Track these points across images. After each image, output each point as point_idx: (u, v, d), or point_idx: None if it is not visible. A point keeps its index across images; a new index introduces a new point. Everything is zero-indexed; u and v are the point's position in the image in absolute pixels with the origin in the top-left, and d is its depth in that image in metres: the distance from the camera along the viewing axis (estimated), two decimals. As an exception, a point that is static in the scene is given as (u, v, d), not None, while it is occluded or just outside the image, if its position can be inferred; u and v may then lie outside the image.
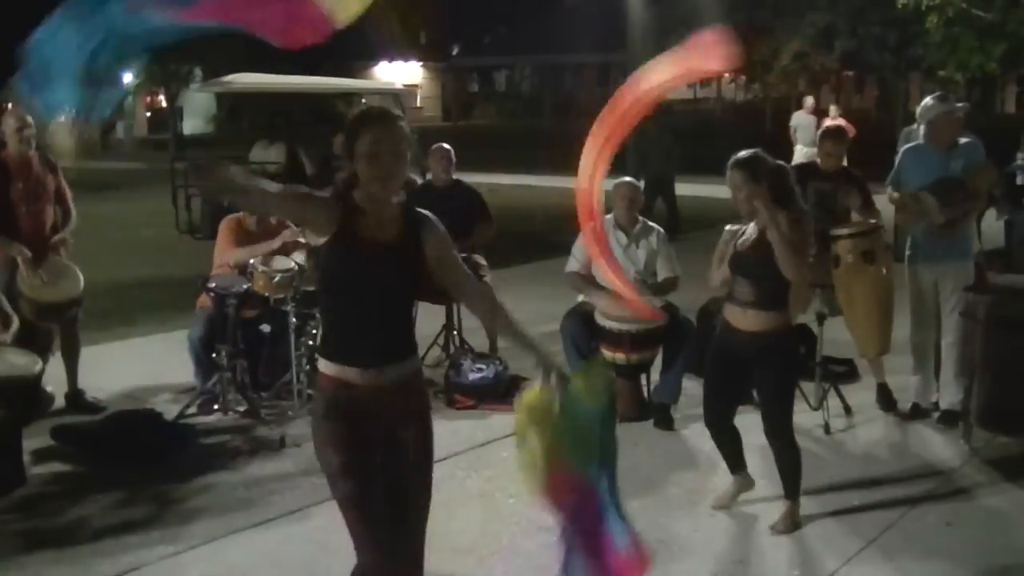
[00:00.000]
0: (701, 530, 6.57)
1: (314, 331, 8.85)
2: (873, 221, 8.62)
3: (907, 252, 8.56)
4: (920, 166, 8.37)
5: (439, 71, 76.33)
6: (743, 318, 6.46)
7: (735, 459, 6.90)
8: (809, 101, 24.65)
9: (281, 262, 8.57)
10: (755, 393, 7.09)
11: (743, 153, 6.47)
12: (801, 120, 22.98)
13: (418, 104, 63.88)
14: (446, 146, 10.33)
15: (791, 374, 6.68)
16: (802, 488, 6.57)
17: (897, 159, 8.68)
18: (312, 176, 18.16)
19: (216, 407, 8.54)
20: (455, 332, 10.26)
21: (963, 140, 8.39)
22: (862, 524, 6.57)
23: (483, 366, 9.19)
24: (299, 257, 8.67)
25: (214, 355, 8.49)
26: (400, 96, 20.26)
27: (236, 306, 8.39)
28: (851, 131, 18.15)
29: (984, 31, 25.93)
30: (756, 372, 6.55)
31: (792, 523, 6.51)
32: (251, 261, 8.47)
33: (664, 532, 6.48)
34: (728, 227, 6.66)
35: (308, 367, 8.66)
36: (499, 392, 9.04)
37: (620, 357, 8.33)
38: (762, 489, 6.93)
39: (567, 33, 56.81)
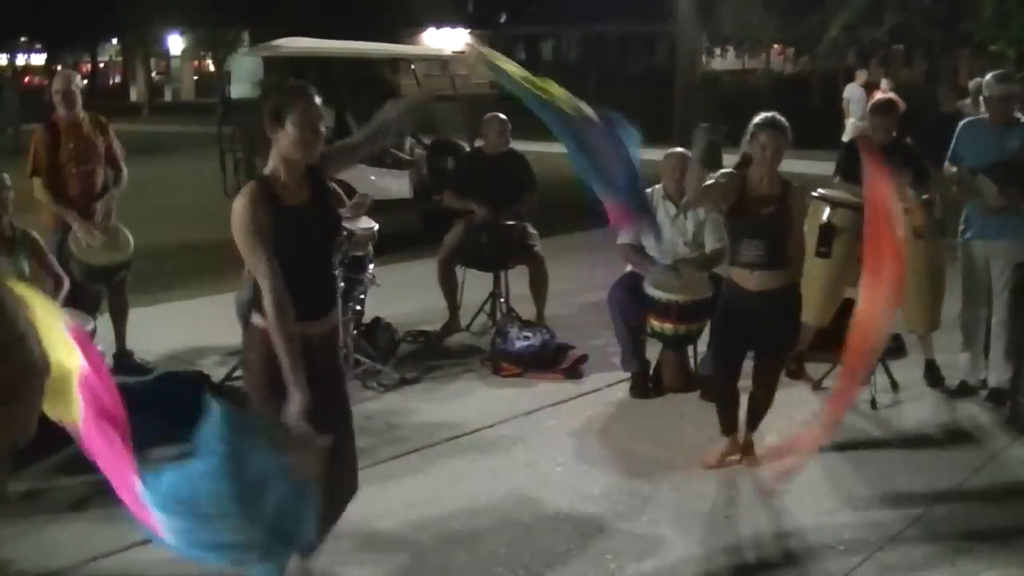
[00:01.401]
0: (745, 502, 6.57)
1: (362, 296, 8.88)
2: (925, 196, 8.55)
3: (960, 227, 8.49)
4: (976, 141, 8.31)
5: (487, 39, 76.18)
6: (752, 279, 6.68)
7: (733, 420, 7.13)
8: (862, 74, 24.47)
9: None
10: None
11: (773, 114, 6.61)
12: (853, 93, 22.75)
13: (465, 71, 63.79)
14: (502, 116, 10.26)
15: (794, 329, 7.05)
16: (845, 462, 6.57)
17: (955, 134, 8.62)
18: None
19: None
20: (502, 300, 10.27)
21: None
22: (907, 501, 6.55)
23: (530, 334, 9.16)
24: (347, 223, 8.70)
25: (262, 319, 8.53)
26: (448, 63, 20.18)
27: (284, 271, 8.41)
28: (901, 106, 18.00)
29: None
30: (763, 327, 6.73)
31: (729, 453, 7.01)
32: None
33: (708, 503, 6.50)
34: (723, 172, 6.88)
35: (355, 332, 8.71)
36: (545, 361, 9.02)
37: (668, 328, 8.29)
38: (809, 468, 6.91)
39: (614, 3, 56.50)
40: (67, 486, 6.63)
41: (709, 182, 6.68)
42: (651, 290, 8.24)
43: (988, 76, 8.50)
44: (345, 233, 8.48)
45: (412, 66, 18.19)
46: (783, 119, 6.63)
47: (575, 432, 7.75)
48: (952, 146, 8.52)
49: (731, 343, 6.96)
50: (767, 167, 6.58)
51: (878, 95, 15.61)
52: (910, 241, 8.32)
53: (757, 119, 6.66)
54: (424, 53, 23.57)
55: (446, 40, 59.89)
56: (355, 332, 8.74)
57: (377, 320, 9.57)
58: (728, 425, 7.09)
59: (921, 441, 7.61)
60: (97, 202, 8.75)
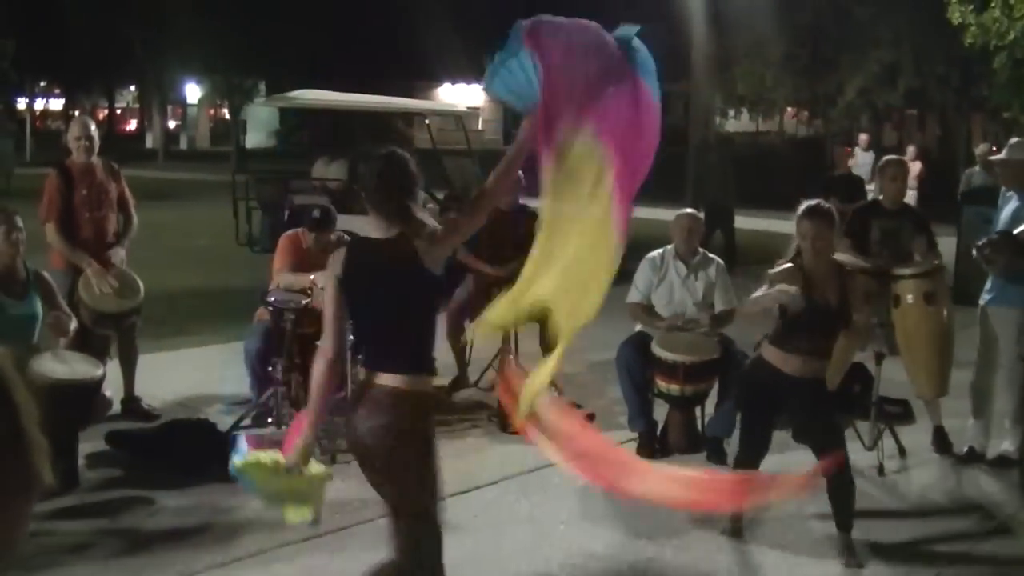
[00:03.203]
0: (751, 566, 6.53)
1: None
2: (936, 262, 8.57)
3: (984, 293, 8.49)
4: (999, 210, 8.51)
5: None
6: (790, 362, 6.51)
7: None
8: (863, 137, 24.30)
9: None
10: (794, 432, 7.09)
11: (815, 202, 6.48)
12: (857, 157, 22.61)
13: (479, 127, 64.03)
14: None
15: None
16: (855, 529, 6.52)
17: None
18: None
19: (270, 420, 8.53)
20: (511, 356, 10.24)
21: None
22: (914, 568, 6.50)
23: (537, 391, 9.13)
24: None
25: (270, 368, 8.50)
26: (463, 118, 20.26)
27: (294, 321, 8.39)
28: (922, 175, 18.18)
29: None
30: (797, 413, 6.58)
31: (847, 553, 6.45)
32: (311, 277, 8.47)
33: (713, 565, 6.46)
34: (774, 271, 6.62)
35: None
36: (552, 418, 8.99)
37: (675, 388, 8.28)
38: (814, 528, 6.88)
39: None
40: (69, 530, 6.62)
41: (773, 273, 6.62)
42: (658, 350, 8.24)
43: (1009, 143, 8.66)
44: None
45: (427, 120, 18.27)
46: (825, 205, 6.52)
47: (580, 490, 7.72)
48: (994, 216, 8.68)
49: (761, 427, 6.80)
50: (814, 256, 6.49)
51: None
52: (920, 306, 8.35)
53: (800, 207, 6.59)
54: (437, 108, 23.66)
55: (462, 95, 60.20)
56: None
57: (385, 374, 9.53)
58: None
59: (928, 508, 7.57)
60: (108, 247, 8.78)
